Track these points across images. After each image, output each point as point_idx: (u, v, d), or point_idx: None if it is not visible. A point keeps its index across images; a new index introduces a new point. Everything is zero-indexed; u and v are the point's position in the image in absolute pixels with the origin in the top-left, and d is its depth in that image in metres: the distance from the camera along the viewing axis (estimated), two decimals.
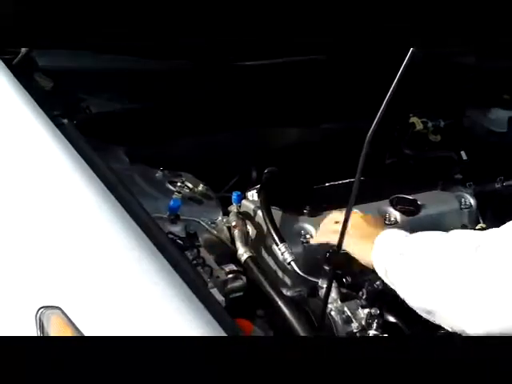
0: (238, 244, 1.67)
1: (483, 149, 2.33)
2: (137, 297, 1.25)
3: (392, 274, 1.43)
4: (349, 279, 1.66)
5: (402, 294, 1.40)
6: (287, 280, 1.68)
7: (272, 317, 1.59)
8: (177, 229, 1.65)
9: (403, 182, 2.03)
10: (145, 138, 1.94)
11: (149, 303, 1.24)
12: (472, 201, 2.03)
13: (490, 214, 2.08)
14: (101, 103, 1.87)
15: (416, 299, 1.37)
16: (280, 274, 1.69)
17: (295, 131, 2.15)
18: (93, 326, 1.24)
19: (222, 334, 1.20)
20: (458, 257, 1.28)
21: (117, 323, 1.22)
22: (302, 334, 1.46)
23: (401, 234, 1.52)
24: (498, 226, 1.99)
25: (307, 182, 1.94)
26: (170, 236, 1.57)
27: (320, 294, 1.60)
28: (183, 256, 1.49)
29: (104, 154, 1.60)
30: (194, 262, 1.55)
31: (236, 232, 1.70)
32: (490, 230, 1.34)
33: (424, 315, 1.36)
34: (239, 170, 2.06)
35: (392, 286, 1.45)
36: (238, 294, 1.60)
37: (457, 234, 1.41)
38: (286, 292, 1.66)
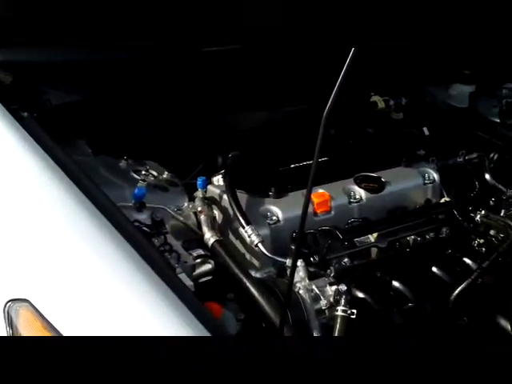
0: (205, 229, 1.68)
1: (445, 124, 2.36)
2: (104, 286, 1.25)
3: None
4: (316, 258, 1.68)
5: None
6: (255, 262, 1.69)
7: (242, 299, 1.60)
8: (143, 216, 1.65)
9: (367, 161, 2.05)
10: (107, 129, 1.93)
11: (116, 291, 1.24)
12: (435, 175, 2.05)
13: (453, 188, 2.12)
14: (61, 96, 1.86)
15: None
16: (248, 256, 1.70)
17: (259, 115, 2.15)
18: (62, 318, 1.24)
19: (192, 318, 1.22)
20: None
21: (85, 312, 1.23)
22: (271, 314, 1.48)
23: None
24: (462, 200, 2.04)
25: (272, 164, 1.95)
26: (136, 224, 1.57)
27: (288, 273, 1.61)
28: (150, 243, 1.50)
29: (66, 146, 1.60)
30: (161, 248, 1.55)
31: (202, 217, 1.71)
32: None
33: None
34: (204, 157, 2.07)
35: None
36: (206, 278, 1.61)
37: None
38: (255, 274, 1.67)
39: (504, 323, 1.56)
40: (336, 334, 1.48)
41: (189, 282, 1.48)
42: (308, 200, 1.29)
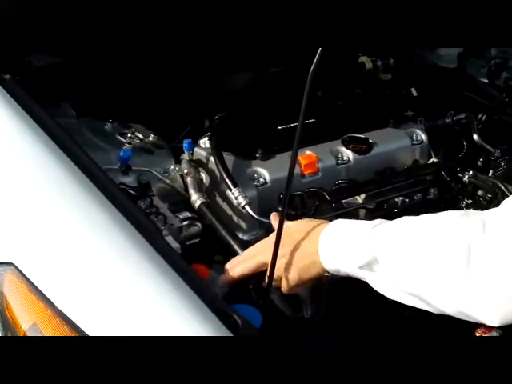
0: (191, 191, 1.67)
1: (433, 85, 2.35)
2: (90, 248, 1.25)
3: (383, 261, 1.25)
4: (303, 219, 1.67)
5: (390, 278, 1.26)
6: (242, 224, 1.68)
7: None
8: (129, 179, 1.64)
9: (355, 122, 2.03)
10: (92, 91, 1.90)
11: (102, 253, 1.24)
12: (423, 136, 2.05)
13: (441, 149, 2.11)
14: (43, 58, 1.83)
15: (412, 283, 1.22)
16: (235, 218, 1.69)
17: (244, 76, 2.12)
18: (47, 282, 1.23)
19: (178, 279, 1.21)
20: (463, 239, 1.14)
21: (70, 274, 1.22)
22: (258, 275, 1.48)
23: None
24: (450, 161, 2.03)
25: (259, 126, 1.93)
26: (122, 187, 1.56)
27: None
28: (136, 205, 1.49)
29: (50, 109, 1.58)
30: (148, 210, 1.54)
31: (189, 179, 1.70)
32: (489, 210, 1.22)
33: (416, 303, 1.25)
34: (191, 120, 2.05)
35: (369, 275, 1.31)
36: (194, 241, 1.61)
37: (450, 216, 1.24)
38: (242, 236, 1.66)
39: None
40: (322, 293, 1.48)
41: (175, 245, 1.47)
42: (294, 161, 1.29)
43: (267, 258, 1.34)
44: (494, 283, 1.11)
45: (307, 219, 1.51)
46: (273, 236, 1.33)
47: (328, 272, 1.38)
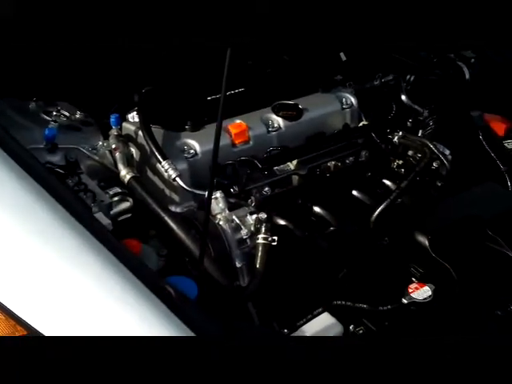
0: (120, 166, 1.65)
1: (362, 48, 2.35)
2: (16, 232, 1.22)
3: None
4: (236, 188, 1.67)
5: None
6: (175, 196, 1.67)
7: (163, 235, 1.59)
8: (55, 158, 1.61)
9: (285, 89, 2.03)
10: (14, 70, 1.85)
11: (28, 237, 1.21)
12: (353, 100, 2.06)
13: (371, 111, 2.12)
14: None
15: None
16: (167, 191, 1.68)
17: (172, 48, 2.10)
18: None
19: (110, 255, 1.20)
20: None
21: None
22: (192, 247, 1.47)
23: None
24: (380, 123, 2.05)
25: (187, 97, 1.91)
26: (48, 165, 1.53)
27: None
28: (63, 184, 1.46)
29: None
30: (76, 188, 1.51)
31: (117, 154, 1.67)
32: None
33: None
34: (120, 95, 2.01)
35: None
36: (125, 216, 1.59)
37: None
38: (175, 208, 1.65)
39: (422, 239, 1.59)
40: (258, 262, 1.49)
41: (106, 221, 1.46)
42: (219, 132, 1.28)
43: None
44: None
45: None
46: None
47: None
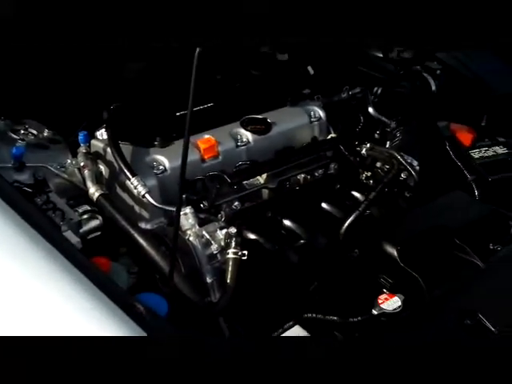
0: (89, 184, 1.65)
1: (329, 61, 2.37)
2: None
3: None
4: (206, 204, 1.67)
5: None
6: (145, 213, 1.67)
7: (134, 252, 1.59)
8: (23, 177, 1.60)
9: (253, 103, 2.04)
10: None
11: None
12: (321, 113, 2.07)
13: (339, 124, 2.15)
14: None
15: None
16: (137, 208, 1.68)
17: (138, 65, 2.10)
18: None
19: (78, 273, 1.19)
20: None
21: None
22: (162, 264, 1.47)
23: None
24: (348, 135, 2.06)
25: (156, 113, 1.92)
26: (16, 184, 1.52)
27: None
28: (31, 203, 1.46)
29: None
30: (44, 207, 1.51)
31: (86, 172, 1.67)
32: None
33: None
34: (89, 113, 2.01)
35: None
36: (95, 234, 1.58)
37: None
38: (145, 225, 1.65)
39: (391, 250, 1.60)
40: (228, 277, 1.49)
41: (75, 239, 1.45)
42: (187, 145, 1.28)
43: None
44: None
45: None
46: None
47: None
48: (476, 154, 2.15)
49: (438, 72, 2.33)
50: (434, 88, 2.31)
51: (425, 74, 2.32)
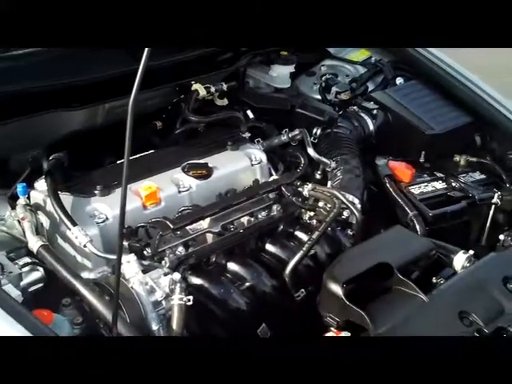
0: (29, 235, 1.63)
1: (268, 106, 2.41)
2: None
3: None
4: (149, 251, 1.67)
5: None
6: (87, 262, 1.66)
7: (78, 303, 1.56)
8: None
9: (194, 148, 2.06)
10: None
11: None
12: (262, 156, 2.10)
13: (280, 166, 2.17)
14: None
15: None
16: (79, 258, 1.66)
17: (80, 113, 2.09)
18: None
19: (19, 326, 1.18)
20: None
21: None
22: (105, 313, 1.45)
23: None
24: (289, 178, 2.08)
25: (96, 163, 1.91)
26: None
27: (122, 270, 1.58)
28: None
29: None
30: None
31: (25, 224, 1.65)
32: None
33: None
34: (30, 164, 1.98)
35: None
36: (37, 286, 1.56)
37: None
38: (89, 274, 1.63)
39: (335, 288, 1.61)
40: (174, 323, 1.48)
41: (16, 292, 1.43)
42: (124, 194, 1.27)
43: None
44: None
45: None
46: None
47: None
48: (416, 189, 2.20)
49: (375, 112, 2.38)
50: (371, 127, 2.36)
51: (362, 114, 2.37)
